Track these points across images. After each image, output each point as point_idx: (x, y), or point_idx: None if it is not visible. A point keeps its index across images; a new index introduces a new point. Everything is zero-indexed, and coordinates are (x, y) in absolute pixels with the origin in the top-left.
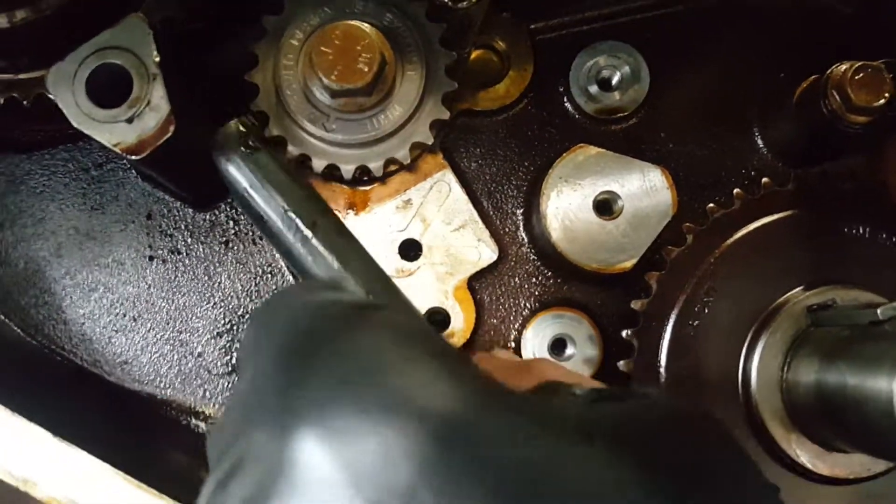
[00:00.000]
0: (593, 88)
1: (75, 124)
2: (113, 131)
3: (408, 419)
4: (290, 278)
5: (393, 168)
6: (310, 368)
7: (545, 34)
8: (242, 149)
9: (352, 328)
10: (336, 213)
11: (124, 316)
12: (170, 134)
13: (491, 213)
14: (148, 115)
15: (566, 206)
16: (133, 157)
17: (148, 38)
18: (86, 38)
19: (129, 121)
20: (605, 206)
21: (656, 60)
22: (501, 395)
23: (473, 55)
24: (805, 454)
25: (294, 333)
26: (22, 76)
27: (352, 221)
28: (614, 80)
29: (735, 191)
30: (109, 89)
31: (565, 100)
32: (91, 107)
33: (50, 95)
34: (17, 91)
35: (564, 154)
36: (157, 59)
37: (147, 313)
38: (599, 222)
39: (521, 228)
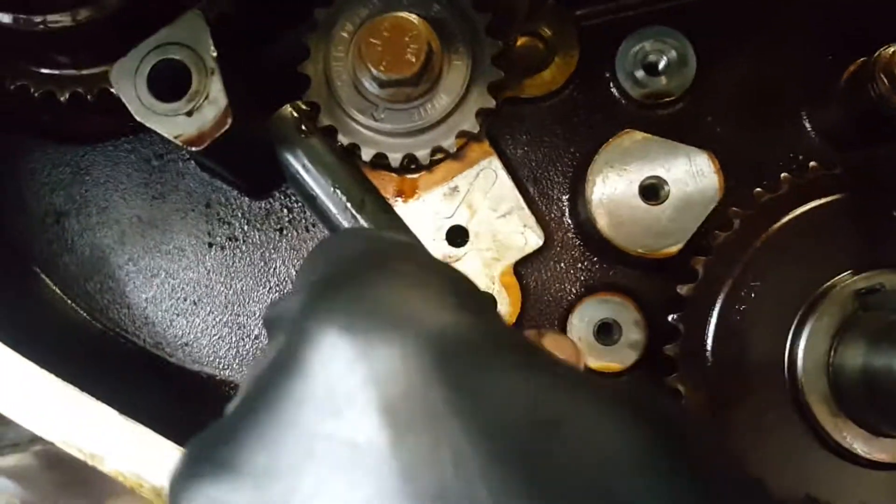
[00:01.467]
0: (639, 73)
1: (138, 118)
2: (174, 124)
3: (429, 332)
4: None
5: (439, 156)
6: (353, 280)
7: (590, 20)
8: (296, 132)
9: (393, 258)
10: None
11: (185, 300)
12: (228, 126)
13: (537, 199)
14: (207, 109)
15: (612, 191)
16: (193, 149)
17: (205, 34)
18: (146, 35)
19: (189, 114)
20: (651, 191)
21: (703, 45)
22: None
23: (519, 42)
24: (851, 438)
25: (348, 254)
26: (84, 72)
27: (400, 209)
28: (661, 65)
29: (782, 175)
30: (169, 84)
31: (611, 85)
32: (152, 101)
33: (112, 90)
34: (80, 86)
35: (610, 139)
36: (215, 54)
37: (206, 297)
38: (645, 207)
39: (567, 214)
